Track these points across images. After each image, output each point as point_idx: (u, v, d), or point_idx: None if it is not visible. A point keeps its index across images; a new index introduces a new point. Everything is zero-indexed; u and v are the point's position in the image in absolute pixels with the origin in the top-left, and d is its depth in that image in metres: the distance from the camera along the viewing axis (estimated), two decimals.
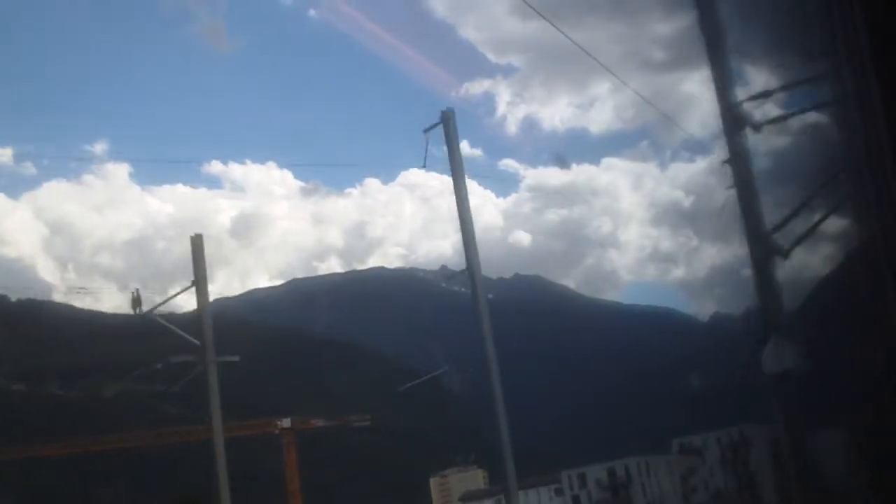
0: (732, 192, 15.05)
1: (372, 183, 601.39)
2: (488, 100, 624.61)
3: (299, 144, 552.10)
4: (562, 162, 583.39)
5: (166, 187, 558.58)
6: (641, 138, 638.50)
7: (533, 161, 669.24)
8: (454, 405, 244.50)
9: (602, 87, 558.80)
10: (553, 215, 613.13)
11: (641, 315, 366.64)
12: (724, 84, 14.41)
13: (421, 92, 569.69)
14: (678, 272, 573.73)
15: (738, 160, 14.72)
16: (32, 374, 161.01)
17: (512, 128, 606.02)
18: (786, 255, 14.20)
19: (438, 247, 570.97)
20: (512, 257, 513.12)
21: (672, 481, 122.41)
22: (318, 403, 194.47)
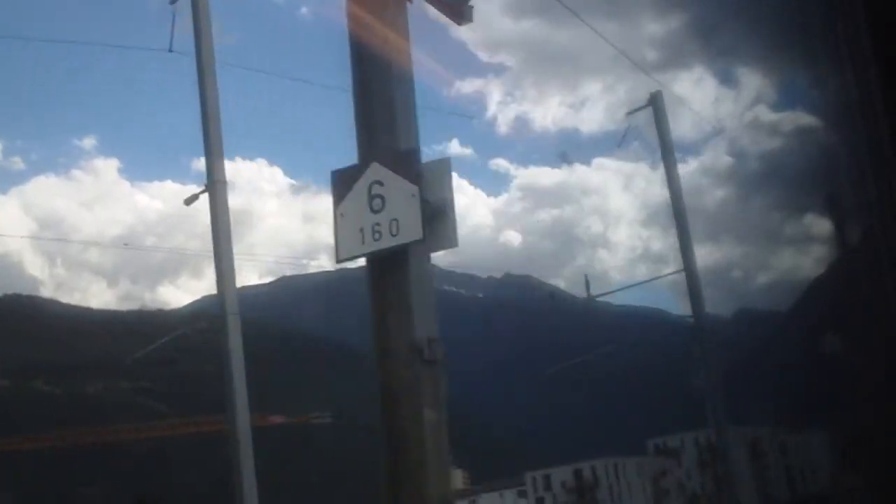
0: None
1: None
2: (479, 99, 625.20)
3: (290, 141, 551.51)
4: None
5: (155, 183, 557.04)
6: (632, 138, 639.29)
7: (524, 161, 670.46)
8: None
9: (594, 88, 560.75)
10: (544, 215, 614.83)
11: (632, 315, 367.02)
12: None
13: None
14: (668, 273, 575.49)
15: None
16: (18, 371, 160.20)
17: (503, 127, 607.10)
18: None
19: None
20: (502, 257, 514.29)
21: (643, 484, 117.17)
22: (302, 401, 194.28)
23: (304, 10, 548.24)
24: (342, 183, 6.30)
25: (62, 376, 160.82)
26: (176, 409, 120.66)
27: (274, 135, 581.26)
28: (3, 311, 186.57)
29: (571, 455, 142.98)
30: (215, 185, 18.35)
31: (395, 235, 5.91)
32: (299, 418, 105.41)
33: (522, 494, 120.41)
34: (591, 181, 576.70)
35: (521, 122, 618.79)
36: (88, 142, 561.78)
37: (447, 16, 6.92)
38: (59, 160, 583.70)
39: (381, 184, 6.03)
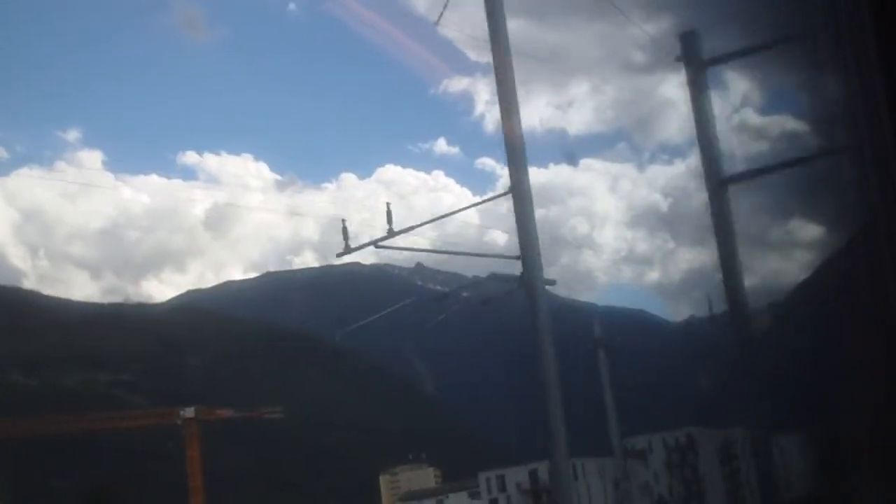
0: None
1: (348, 178, 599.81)
2: (467, 98, 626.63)
3: (276, 137, 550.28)
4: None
5: (140, 177, 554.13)
6: (619, 140, 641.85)
7: None
8: (426, 404, 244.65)
9: (581, 89, 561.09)
10: None
11: (615, 316, 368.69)
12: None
13: (399, 89, 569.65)
14: (653, 275, 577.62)
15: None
16: None
17: (490, 126, 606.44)
18: None
19: (413, 244, 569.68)
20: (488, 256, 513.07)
21: (604, 486, 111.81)
22: (279, 396, 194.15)
23: (292, 6, 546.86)
24: None
25: (41, 368, 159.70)
26: (152, 402, 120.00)
27: (260, 130, 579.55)
28: None
29: (542, 454, 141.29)
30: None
31: None
32: (249, 413, 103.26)
33: (475, 496, 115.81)
34: (577, 182, 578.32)
35: None
36: (73, 134, 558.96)
37: None
38: (44, 153, 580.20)
39: None
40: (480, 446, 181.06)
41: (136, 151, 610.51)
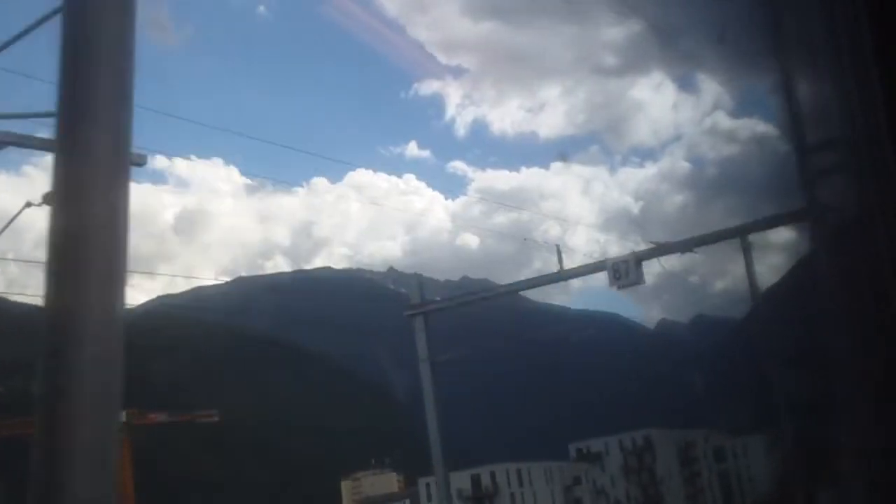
0: None
1: (319, 182, 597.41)
2: (438, 101, 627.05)
3: (246, 141, 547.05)
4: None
5: None
6: (591, 143, 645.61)
7: (482, 163, 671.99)
8: (397, 410, 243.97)
9: (553, 91, 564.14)
10: (502, 218, 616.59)
11: (588, 319, 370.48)
12: None
13: (370, 92, 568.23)
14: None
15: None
16: None
17: (461, 130, 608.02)
18: None
19: (385, 248, 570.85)
20: (460, 260, 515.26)
21: (552, 492, 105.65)
22: (248, 401, 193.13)
23: (261, 8, 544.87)
24: None
25: (6, 374, 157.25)
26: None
27: (231, 133, 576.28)
28: None
29: (500, 457, 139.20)
30: None
31: None
32: (183, 416, 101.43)
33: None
34: (550, 185, 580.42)
35: (480, 125, 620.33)
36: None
37: None
38: (10, 156, 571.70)
39: None
40: (451, 452, 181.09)
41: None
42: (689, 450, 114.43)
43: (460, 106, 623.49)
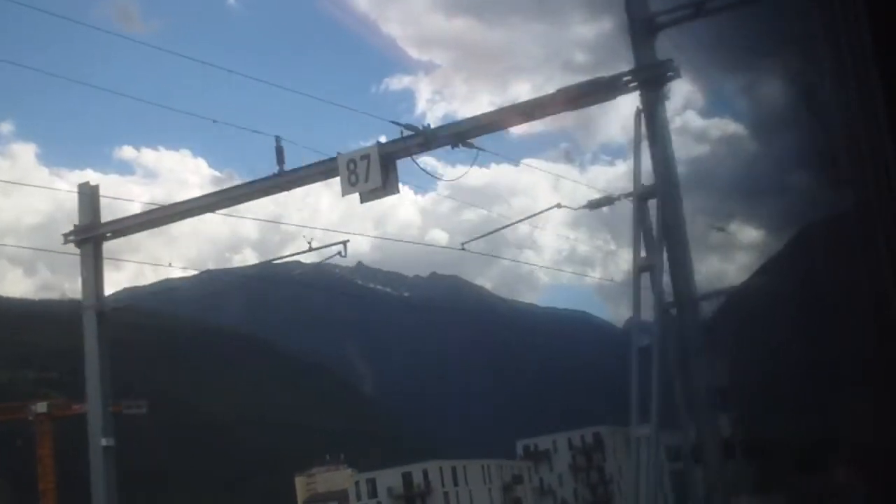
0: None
1: None
2: (408, 96, 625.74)
3: (215, 133, 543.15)
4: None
5: (76, 171, 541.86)
6: (561, 140, 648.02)
7: (452, 159, 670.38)
8: (364, 404, 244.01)
9: (523, 87, 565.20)
10: (471, 214, 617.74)
11: (556, 318, 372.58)
12: None
13: (339, 86, 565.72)
14: (594, 276, 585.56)
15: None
16: None
17: (432, 125, 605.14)
18: None
19: (353, 242, 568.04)
20: (429, 256, 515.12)
21: (489, 490, 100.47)
22: (213, 395, 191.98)
23: (231, 0, 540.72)
24: None
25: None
26: (78, 401, 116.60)
27: (199, 125, 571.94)
28: None
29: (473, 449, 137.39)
30: None
31: None
32: (116, 407, 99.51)
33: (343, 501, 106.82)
34: (520, 182, 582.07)
35: (450, 120, 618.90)
36: (6, 127, 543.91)
37: None
38: None
39: None
40: (417, 445, 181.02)
41: (71, 145, 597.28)
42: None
43: (431, 101, 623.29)
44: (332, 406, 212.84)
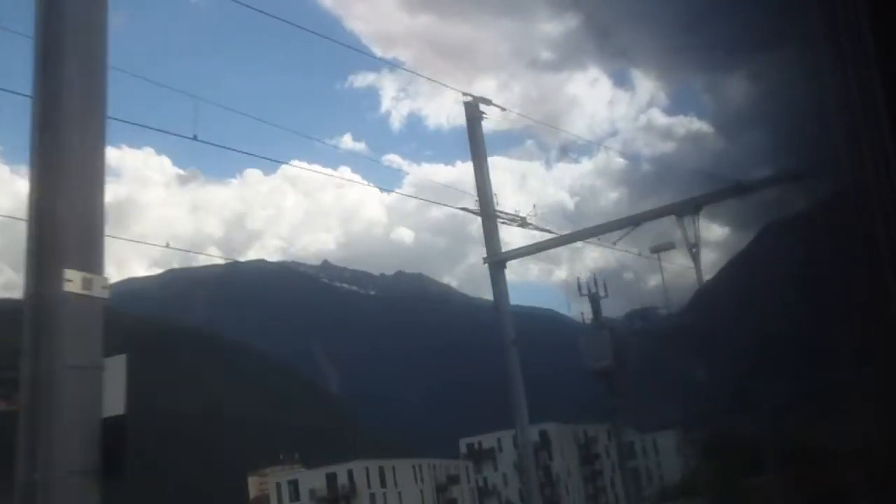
0: None
1: (252, 173, 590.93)
2: (373, 94, 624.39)
3: (178, 130, 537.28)
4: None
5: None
6: (527, 137, 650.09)
7: (416, 157, 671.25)
8: (328, 404, 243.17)
9: (488, 85, 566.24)
10: (437, 212, 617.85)
11: (525, 316, 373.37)
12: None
13: (304, 83, 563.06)
14: (560, 273, 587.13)
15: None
16: None
17: (396, 123, 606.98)
18: None
19: (319, 240, 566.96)
20: (394, 254, 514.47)
21: (421, 492, 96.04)
22: (173, 395, 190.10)
23: None
24: None
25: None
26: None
27: (162, 123, 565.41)
28: None
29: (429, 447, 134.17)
30: None
31: None
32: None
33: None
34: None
35: (415, 118, 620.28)
36: None
37: None
38: None
39: None
40: (381, 444, 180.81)
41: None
42: (590, 446, 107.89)
43: (395, 99, 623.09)
44: (297, 405, 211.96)
